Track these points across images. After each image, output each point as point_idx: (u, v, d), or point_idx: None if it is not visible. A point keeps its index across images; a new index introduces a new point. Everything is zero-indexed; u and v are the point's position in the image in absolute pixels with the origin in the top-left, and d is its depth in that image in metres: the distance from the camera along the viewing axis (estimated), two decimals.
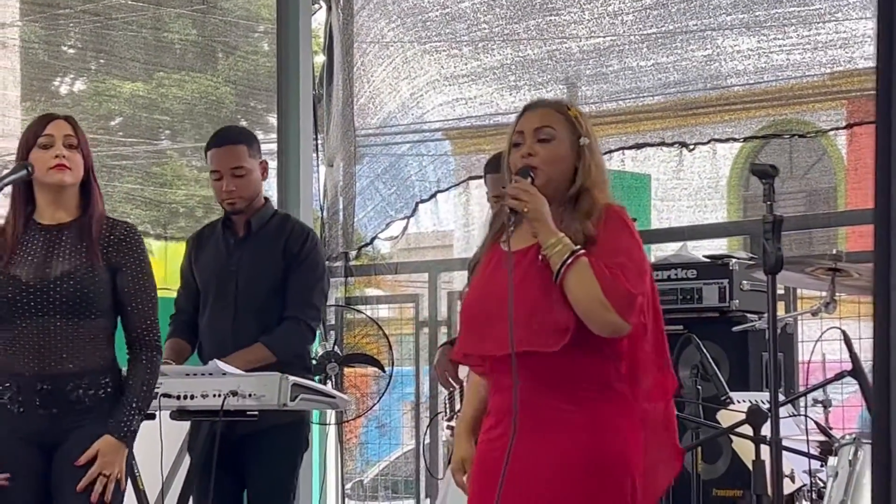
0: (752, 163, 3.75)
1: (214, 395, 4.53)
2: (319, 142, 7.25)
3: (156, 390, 4.52)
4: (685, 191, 6.90)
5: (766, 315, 4.82)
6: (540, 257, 3.31)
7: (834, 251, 4.45)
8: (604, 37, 6.80)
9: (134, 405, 4.08)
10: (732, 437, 4.61)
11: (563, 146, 3.41)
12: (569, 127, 3.43)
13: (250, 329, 4.91)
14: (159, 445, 4.58)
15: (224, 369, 4.58)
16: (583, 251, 3.28)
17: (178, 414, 4.69)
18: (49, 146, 4.12)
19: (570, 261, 3.26)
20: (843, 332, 4.47)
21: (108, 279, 4.11)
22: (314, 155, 7.13)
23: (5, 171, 4.12)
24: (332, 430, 6.95)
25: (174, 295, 5.28)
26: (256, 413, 4.58)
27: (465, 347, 3.47)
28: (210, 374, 4.60)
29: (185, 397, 4.59)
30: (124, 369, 4.15)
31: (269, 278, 4.95)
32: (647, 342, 3.36)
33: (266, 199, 5.11)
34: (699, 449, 4.74)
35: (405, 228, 7.34)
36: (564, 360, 3.29)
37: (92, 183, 4.18)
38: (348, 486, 7.38)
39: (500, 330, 3.29)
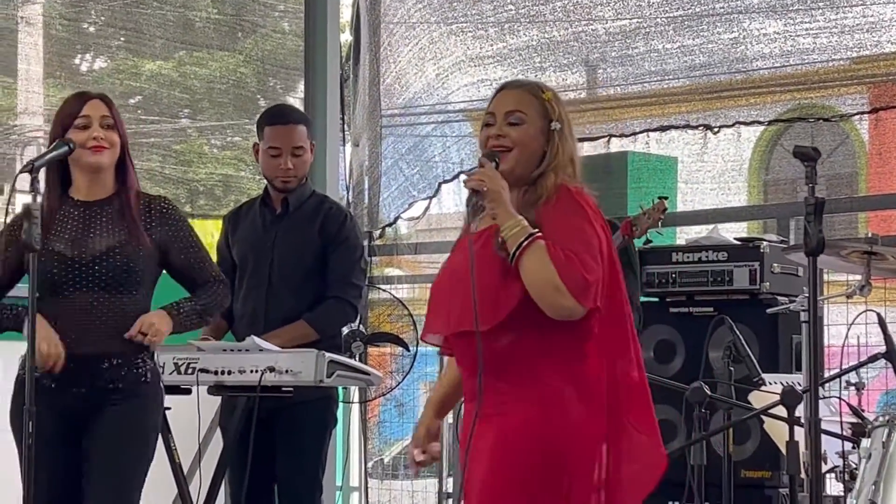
0: (795, 145, 3.76)
1: (252, 371, 4.55)
2: (345, 121, 7.26)
3: (193, 365, 4.57)
4: (709, 173, 6.91)
5: (797, 298, 4.86)
6: (499, 239, 3.31)
7: (869, 234, 4.47)
8: (630, 18, 6.80)
9: (193, 302, 4.23)
10: (763, 418, 4.64)
11: (532, 130, 3.40)
12: (541, 111, 3.42)
13: (283, 306, 4.94)
14: (193, 420, 4.61)
15: (261, 345, 4.60)
16: (539, 234, 3.27)
17: (216, 389, 4.72)
18: (87, 127, 4.15)
19: (525, 243, 3.26)
20: (879, 316, 4.50)
21: (154, 254, 4.18)
22: (340, 135, 7.14)
23: (47, 149, 4.14)
24: (354, 409, 6.97)
25: None
26: (292, 389, 4.60)
27: (429, 327, 3.49)
28: (247, 349, 4.62)
29: (223, 372, 4.61)
30: (155, 355, 4.20)
31: (304, 257, 4.98)
32: (602, 325, 3.32)
33: (305, 178, 5.14)
34: (730, 430, 4.76)
35: (427, 208, 7.36)
36: (522, 339, 3.29)
37: (127, 161, 4.22)
38: (369, 464, 7.41)
39: (454, 310, 3.33)
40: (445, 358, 7.32)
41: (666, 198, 5.18)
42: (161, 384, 4.24)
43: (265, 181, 5.19)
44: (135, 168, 4.29)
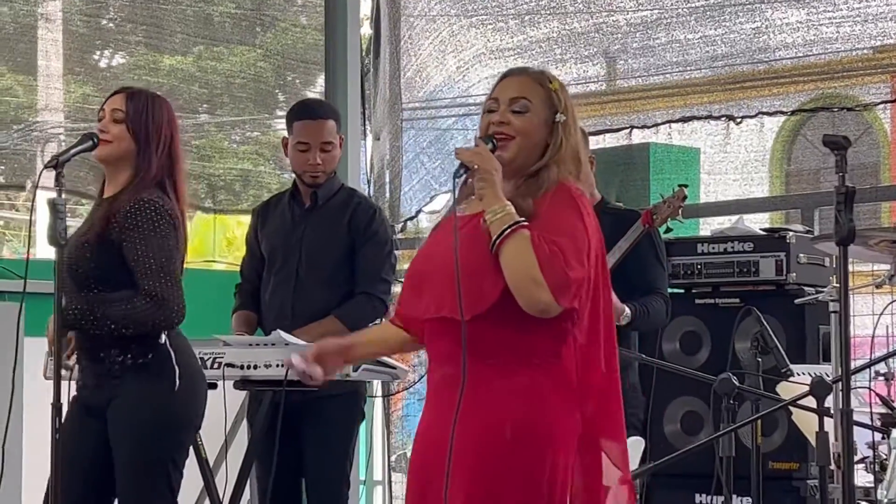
0: (825, 134, 3.73)
1: (278, 366, 4.55)
2: (366, 115, 7.25)
3: (219, 360, 4.56)
4: (732, 164, 6.89)
5: (824, 288, 4.83)
6: (481, 223, 3.19)
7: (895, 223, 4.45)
8: (651, 9, 6.78)
9: (97, 311, 3.98)
10: (792, 409, 4.61)
11: (537, 119, 3.28)
12: (546, 101, 3.30)
13: (311, 300, 4.93)
14: (220, 414, 4.61)
15: (287, 339, 4.60)
16: (525, 223, 3.16)
17: (242, 384, 4.72)
18: (101, 120, 4.13)
19: (508, 231, 3.14)
20: None
21: (110, 253, 4.02)
22: (361, 128, 7.13)
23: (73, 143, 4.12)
24: (377, 403, 6.97)
25: (216, 267, 5.30)
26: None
27: (403, 308, 3.38)
28: (273, 343, 4.62)
29: (249, 367, 4.61)
30: (164, 336, 4.10)
31: (332, 250, 4.97)
32: (579, 330, 3.23)
33: (334, 172, 5.13)
34: (758, 422, 4.73)
35: (448, 202, 7.34)
36: (500, 331, 3.19)
37: (140, 158, 4.09)
38: (392, 457, 7.40)
39: (434, 292, 3.22)
40: None
41: (686, 186, 5.16)
42: (176, 365, 4.07)
43: (288, 175, 5.19)
44: (159, 172, 4.12)
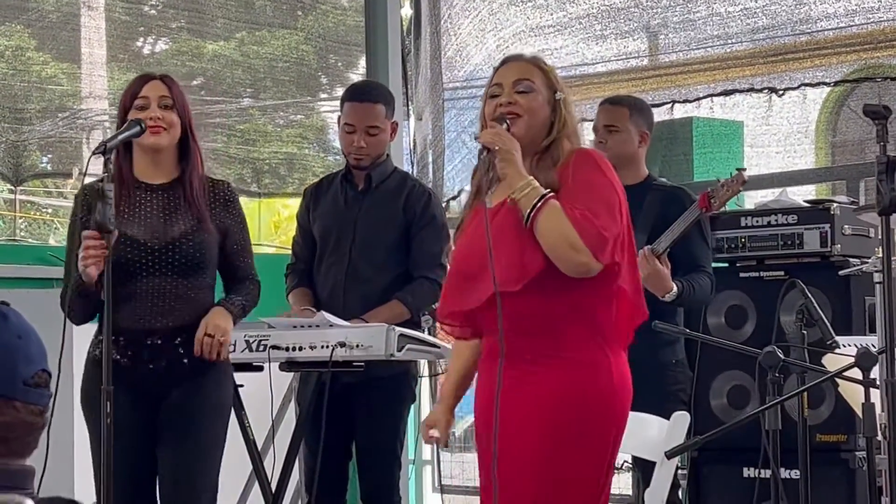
0: (865, 104, 3.72)
1: (323, 347, 4.57)
2: (408, 96, 7.26)
3: (264, 342, 4.60)
4: (775, 136, 6.84)
5: (869, 259, 4.80)
6: (508, 200, 3.34)
7: None
8: None
9: (241, 298, 4.24)
10: (838, 381, 4.59)
11: (540, 97, 3.47)
12: (546, 81, 3.50)
13: (363, 281, 4.95)
14: (266, 397, 4.64)
15: (331, 321, 4.62)
16: (552, 194, 3.33)
17: (288, 366, 4.75)
18: (145, 108, 4.16)
19: (539, 204, 3.31)
20: None
21: (217, 239, 4.20)
22: (404, 109, 7.14)
23: (119, 130, 4.16)
24: (424, 383, 6.98)
25: (263, 251, 5.33)
26: (363, 364, 4.62)
27: (450, 305, 3.53)
28: (318, 325, 4.65)
29: (294, 349, 4.64)
30: None
31: (386, 233, 4.99)
32: (623, 280, 3.40)
33: (387, 155, 5.14)
34: (805, 394, 4.71)
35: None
36: (547, 302, 3.34)
37: (190, 142, 4.21)
38: None
39: (481, 282, 3.35)
40: None
41: (744, 169, 5.14)
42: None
43: (332, 158, 5.21)
44: (200, 150, 4.29)
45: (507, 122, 3.42)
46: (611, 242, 3.31)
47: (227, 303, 4.20)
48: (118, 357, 4.11)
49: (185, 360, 4.11)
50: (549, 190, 3.34)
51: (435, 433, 3.64)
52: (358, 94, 5.10)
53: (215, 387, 4.17)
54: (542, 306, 3.34)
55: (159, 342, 4.11)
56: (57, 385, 3.65)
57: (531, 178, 3.35)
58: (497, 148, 3.35)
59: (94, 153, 3.94)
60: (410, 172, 7.19)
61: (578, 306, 3.37)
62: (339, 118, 5.12)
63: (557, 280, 3.32)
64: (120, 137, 4.04)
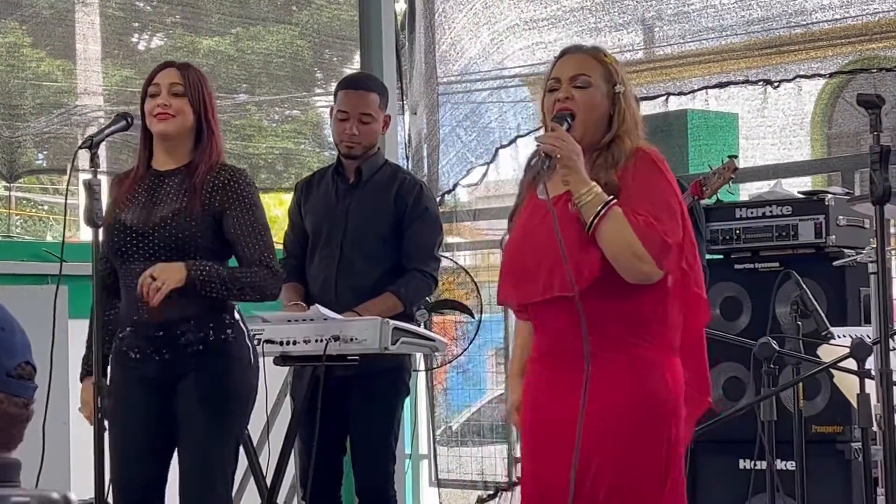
0: (858, 93, 3.71)
1: (317, 341, 4.56)
2: (402, 90, 7.25)
3: (258, 336, 4.57)
4: (770, 128, 6.84)
5: (863, 250, 4.80)
6: (570, 206, 3.30)
7: None
8: None
9: (223, 273, 4.05)
10: (833, 372, 4.59)
11: (598, 93, 3.40)
12: (604, 74, 3.42)
13: (355, 275, 4.94)
14: (261, 391, 4.63)
15: (325, 314, 4.61)
16: (615, 201, 3.28)
17: (282, 359, 4.74)
18: (156, 95, 4.15)
19: (603, 211, 3.26)
20: None
21: (209, 223, 4.11)
22: (399, 103, 7.13)
23: (106, 125, 4.15)
24: (420, 377, 6.98)
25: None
26: (357, 357, 4.61)
27: (506, 295, 3.51)
28: (311, 319, 4.64)
29: (288, 343, 4.63)
30: (236, 312, 4.18)
31: (378, 226, 4.98)
32: (691, 281, 3.36)
33: (378, 148, 5.14)
34: (800, 385, 4.71)
35: (485, 174, 7.34)
36: (603, 304, 3.29)
37: (204, 129, 4.17)
38: (438, 431, 7.42)
39: (539, 276, 3.33)
40: (512, 323, 7.35)
41: (735, 156, 5.14)
42: (248, 342, 4.16)
43: (328, 154, 5.20)
44: (219, 138, 4.21)
45: (569, 121, 3.36)
46: (674, 249, 3.28)
47: (193, 262, 4.03)
48: (125, 349, 4.11)
49: (190, 349, 4.08)
50: (612, 197, 3.28)
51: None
52: (353, 83, 5.11)
53: (226, 373, 4.10)
54: (596, 307, 3.29)
55: (161, 332, 4.08)
56: (49, 381, 3.66)
57: (594, 183, 3.29)
58: (558, 156, 3.29)
59: (80, 147, 3.94)
60: (406, 167, 7.19)
61: (636, 309, 3.33)
62: (331, 109, 5.11)
63: (613, 284, 3.28)
64: (106, 132, 4.03)
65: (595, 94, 3.39)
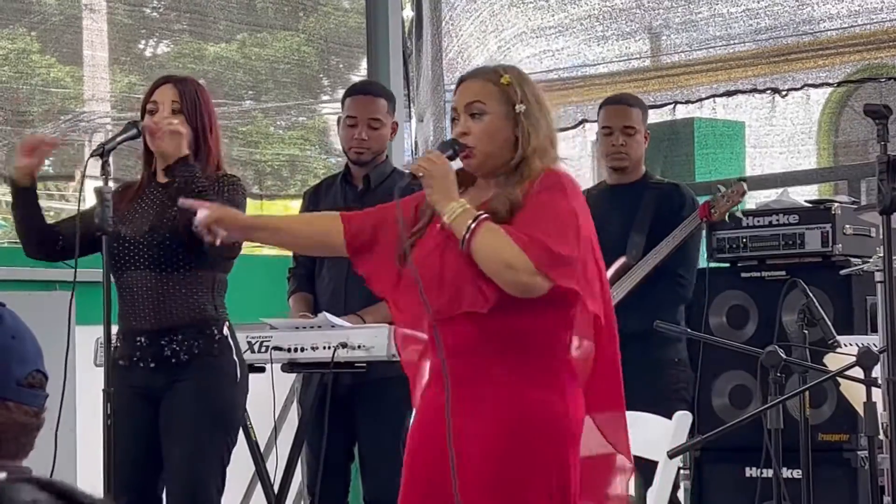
0: (865, 104, 3.72)
1: (324, 348, 4.57)
2: (409, 97, 7.26)
3: (266, 343, 4.59)
4: (778, 137, 6.84)
5: (870, 259, 4.80)
6: (439, 226, 3.23)
7: None
8: None
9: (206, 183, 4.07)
10: (839, 380, 4.59)
11: (496, 119, 3.27)
12: (501, 97, 3.27)
13: (364, 284, 4.93)
14: (268, 398, 4.64)
15: (333, 321, 4.62)
16: (486, 216, 3.17)
17: (289, 367, 4.75)
18: (154, 112, 4.16)
19: (474, 226, 3.15)
20: None
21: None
22: (406, 110, 7.14)
23: (117, 133, 4.17)
24: None
25: (263, 252, 5.31)
26: (365, 364, 4.62)
27: (415, 311, 3.40)
28: (319, 326, 4.64)
29: (296, 350, 4.64)
30: (226, 328, 4.18)
31: None
32: (587, 307, 3.23)
33: (386, 155, 5.14)
34: (807, 394, 4.71)
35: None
36: (510, 323, 3.22)
37: (201, 145, 4.17)
38: None
39: (444, 293, 3.23)
40: None
41: (745, 180, 5.14)
42: (235, 356, 4.19)
43: (334, 160, 5.20)
44: (217, 151, 4.22)
45: (457, 147, 3.27)
46: (563, 261, 3.15)
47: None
48: (117, 358, 4.13)
49: (174, 361, 4.10)
50: (481, 212, 3.18)
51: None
52: (361, 89, 5.14)
53: (214, 387, 4.12)
54: (500, 326, 3.22)
55: (146, 342, 4.10)
56: (63, 387, 3.68)
57: (463, 201, 3.19)
58: (421, 175, 3.21)
59: (91, 155, 3.96)
60: None
61: (531, 329, 3.23)
62: (339, 119, 5.11)
63: (514, 303, 3.18)
64: (118, 140, 4.06)
65: (492, 121, 3.26)
